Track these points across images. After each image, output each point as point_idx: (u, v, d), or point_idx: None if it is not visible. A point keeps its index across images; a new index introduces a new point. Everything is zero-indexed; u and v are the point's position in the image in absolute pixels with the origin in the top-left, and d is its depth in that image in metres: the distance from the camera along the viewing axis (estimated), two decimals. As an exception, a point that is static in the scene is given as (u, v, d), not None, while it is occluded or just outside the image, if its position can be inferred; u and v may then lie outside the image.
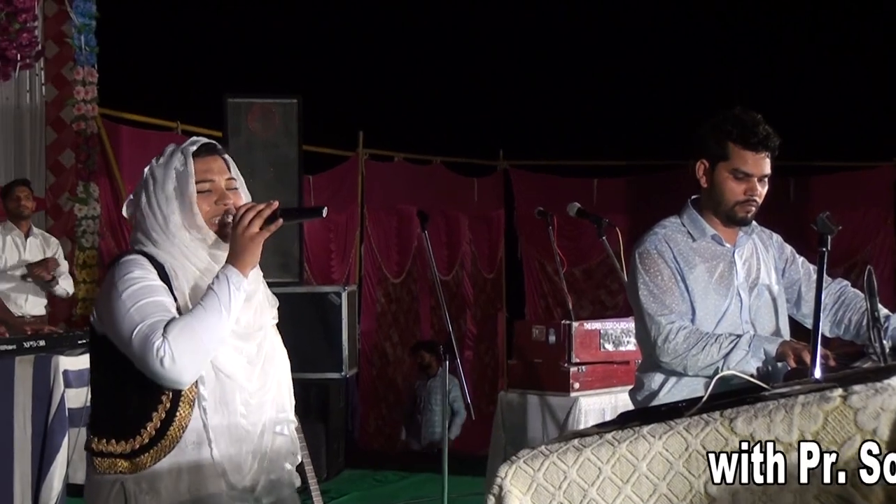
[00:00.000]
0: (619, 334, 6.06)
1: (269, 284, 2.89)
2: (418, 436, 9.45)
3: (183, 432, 2.58)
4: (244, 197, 2.73)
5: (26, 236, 7.04)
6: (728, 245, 3.68)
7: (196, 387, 2.57)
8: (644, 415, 2.27)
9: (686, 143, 3.74)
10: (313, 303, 7.02)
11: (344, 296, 7.19)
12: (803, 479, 1.95)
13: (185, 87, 8.76)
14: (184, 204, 2.63)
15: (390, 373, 10.82)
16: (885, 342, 3.41)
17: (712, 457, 1.99)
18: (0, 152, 7.87)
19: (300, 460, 2.81)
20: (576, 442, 2.07)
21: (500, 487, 2.08)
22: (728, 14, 10.51)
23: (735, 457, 1.98)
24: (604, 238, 5.53)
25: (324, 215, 2.70)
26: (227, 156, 2.74)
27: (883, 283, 10.17)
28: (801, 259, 3.85)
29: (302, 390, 7.14)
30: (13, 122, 7.91)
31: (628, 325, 5.98)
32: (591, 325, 6.03)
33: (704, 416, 2.03)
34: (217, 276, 2.58)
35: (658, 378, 3.67)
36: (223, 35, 9.60)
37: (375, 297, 10.73)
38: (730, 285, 3.64)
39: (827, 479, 1.94)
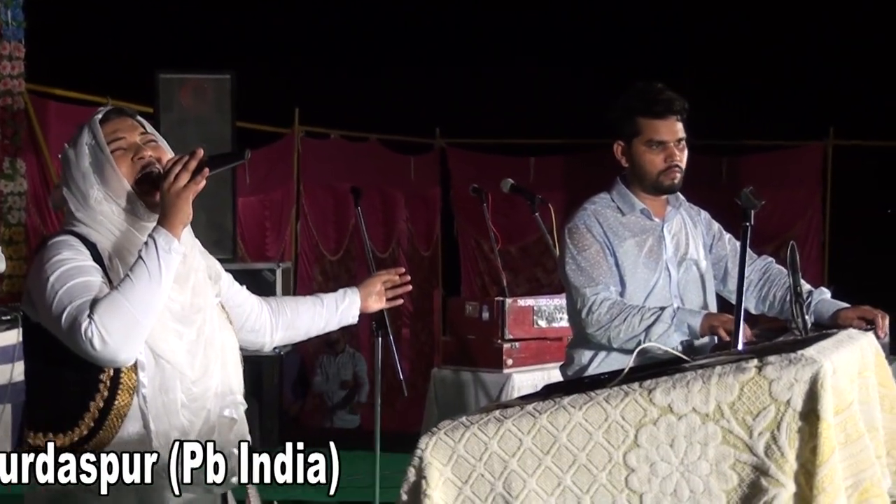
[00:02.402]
0: (552, 311, 6.10)
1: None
2: (331, 414, 9.65)
3: (122, 421, 2.48)
4: (167, 152, 2.62)
5: None
6: (657, 219, 3.72)
7: (135, 373, 2.47)
8: (567, 387, 2.29)
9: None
10: (247, 280, 6.92)
11: (278, 273, 7.15)
12: (720, 449, 1.97)
13: (116, 63, 8.62)
14: (103, 174, 2.53)
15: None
16: (807, 317, 3.46)
17: (632, 429, 2.01)
18: (-76, 127, 7.70)
19: (249, 442, 2.66)
20: (497, 413, 2.09)
21: (421, 459, 2.09)
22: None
23: (653, 428, 2.01)
24: (537, 214, 5.55)
25: (247, 157, 2.64)
26: (139, 117, 2.65)
27: (811, 261, 10.37)
28: (728, 236, 3.89)
29: (235, 368, 7.16)
30: (-62, 97, 7.74)
31: (561, 301, 5.99)
32: (524, 302, 6.05)
33: (624, 387, 2.05)
34: (146, 242, 2.45)
35: (587, 353, 3.70)
36: (155, 9, 9.46)
37: (312, 274, 10.69)
38: (659, 259, 3.68)
39: (743, 450, 1.96)
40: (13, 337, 5.09)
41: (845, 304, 3.61)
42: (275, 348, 7.43)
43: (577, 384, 2.29)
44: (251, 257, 9.44)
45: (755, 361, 1.98)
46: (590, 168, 10.09)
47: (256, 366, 7.23)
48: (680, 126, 3.64)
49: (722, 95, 10.05)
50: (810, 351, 1.98)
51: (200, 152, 2.51)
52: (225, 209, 7.37)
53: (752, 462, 1.95)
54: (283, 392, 8.55)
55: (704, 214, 3.90)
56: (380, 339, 5.41)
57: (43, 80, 8.07)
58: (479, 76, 10.92)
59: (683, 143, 3.66)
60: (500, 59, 10.98)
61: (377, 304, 3.10)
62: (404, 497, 2.12)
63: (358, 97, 10.56)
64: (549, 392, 2.26)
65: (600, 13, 10.68)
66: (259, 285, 7.08)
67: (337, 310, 3.04)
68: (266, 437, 7.39)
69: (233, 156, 2.74)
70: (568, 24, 10.73)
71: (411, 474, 2.11)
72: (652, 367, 2.27)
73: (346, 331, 9.79)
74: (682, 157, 3.66)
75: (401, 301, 3.18)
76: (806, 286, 3.64)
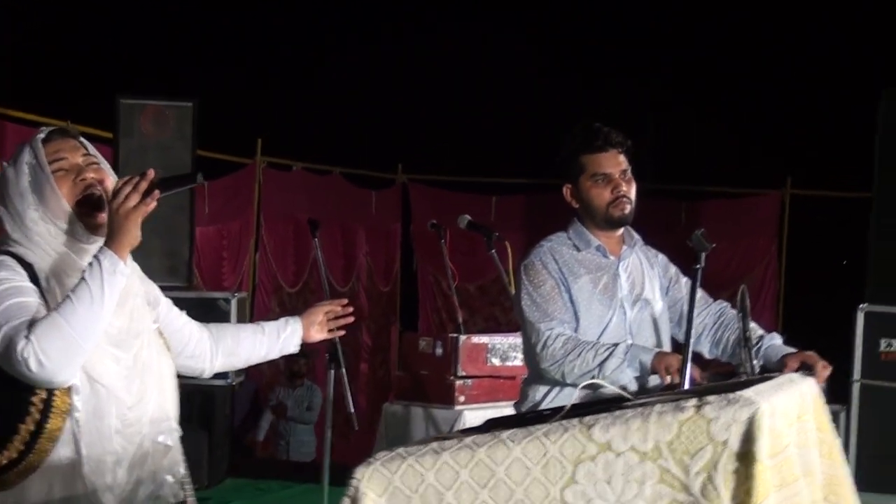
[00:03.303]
0: (506, 349, 6.11)
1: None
2: (287, 447, 9.58)
3: (53, 445, 2.43)
4: (110, 175, 2.60)
5: None
6: (612, 257, 3.75)
7: (69, 397, 2.43)
8: (509, 421, 2.28)
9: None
10: (201, 308, 6.86)
11: (233, 302, 7.10)
12: (657, 488, 1.97)
13: (77, 86, 8.58)
14: (42, 194, 2.50)
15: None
16: (755, 362, 3.49)
17: (570, 465, 2.01)
18: None
19: (183, 472, 2.67)
20: (435, 445, 2.07)
21: (356, 489, 2.07)
22: (625, 38, 10.68)
23: (591, 465, 2.00)
24: (493, 252, 5.57)
25: (199, 181, 2.62)
26: (83, 139, 2.63)
27: (766, 308, 10.45)
28: (685, 279, 3.92)
29: (185, 396, 7.06)
30: None
31: (516, 340, 6.01)
32: (478, 339, 6.06)
33: (564, 422, 2.05)
34: (90, 263, 2.42)
35: (541, 389, 3.71)
36: (119, 33, 9.44)
37: (270, 306, 10.64)
38: (613, 297, 3.70)
39: (680, 490, 1.96)
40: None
41: (793, 350, 3.64)
42: (224, 377, 7.35)
43: (518, 419, 2.29)
44: (207, 287, 9.38)
45: (694, 401, 1.98)
46: (551, 208, 10.12)
47: (208, 396, 7.16)
48: (623, 158, 3.70)
49: (682, 142, 10.16)
50: (749, 392, 1.98)
51: (151, 173, 2.48)
52: (182, 237, 7.33)
53: (688, 502, 1.95)
54: (233, 423, 8.47)
55: (662, 257, 3.94)
56: (332, 371, 5.40)
57: (0, 101, 8.00)
58: (442, 113, 10.97)
59: (629, 174, 3.71)
60: (464, 97, 11.04)
61: (319, 334, 3.09)
62: (339, 527, 2.10)
63: (321, 130, 10.56)
64: (490, 426, 2.25)
65: (563, 56, 10.77)
66: (213, 314, 7.04)
67: (279, 338, 3.02)
68: (215, 468, 7.32)
69: (186, 178, 2.71)
70: (532, 65, 10.81)
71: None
72: (595, 404, 2.28)
73: (307, 364, 9.78)
74: (630, 189, 3.70)
75: (342, 332, 3.17)
76: (758, 331, 3.68)
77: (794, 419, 2.12)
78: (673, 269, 3.93)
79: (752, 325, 3.56)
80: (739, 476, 1.91)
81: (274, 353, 3.05)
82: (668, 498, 1.96)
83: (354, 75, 10.88)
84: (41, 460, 2.43)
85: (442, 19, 10.82)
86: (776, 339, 3.71)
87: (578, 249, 3.73)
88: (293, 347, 3.06)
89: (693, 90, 10.58)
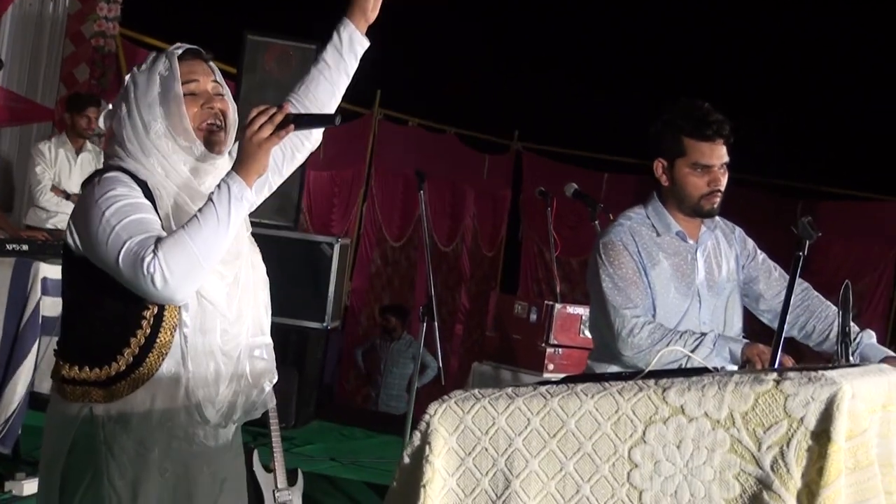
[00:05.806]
0: (600, 323, 6.06)
1: (264, 226, 2.78)
2: (376, 398, 9.69)
3: (162, 360, 2.48)
4: (231, 106, 2.61)
5: (78, 152, 7.27)
6: (691, 242, 3.66)
7: (178, 312, 2.47)
8: (587, 380, 2.27)
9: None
10: (305, 250, 7.00)
11: (336, 247, 7.16)
12: (726, 457, 1.95)
13: (207, 19, 8.72)
14: (168, 109, 2.51)
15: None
16: (851, 358, 3.40)
17: (640, 425, 2.00)
18: (17, 57, 7.85)
19: (276, 379, 2.69)
20: (510, 390, 2.08)
21: (428, 424, 2.09)
22: (773, 21, 10.45)
23: (662, 427, 1.99)
24: (596, 223, 5.51)
25: (336, 124, 2.57)
26: (212, 63, 2.62)
27: (877, 316, 10.20)
28: (762, 255, 3.81)
29: (281, 336, 7.16)
30: (34, 30, 7.89)
31: (612, 315, 5.97)
32: (573, 310, 6.01)
33: (639, 382, 2.03)
34: (218, 185, 2.44)
35: (613, 369, 3.64)
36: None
37: (371, 256, 10.74)
38: (691, 283, 3.62)
39: (749, 461, 1.94)
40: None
41: (892, 353, 3.54)
42: (320, 320, 7.38)
43: (597, 378, 2.27)
44: (316, 230, 9.50)
45: (774, 375, 1.95)
46: (662, 191, 10.01)
47: (303, 336, 7.27)
48: (725, 150, 3.55)
49: (806, 139, 9.93)
50: (832, 373, 1.95)
51: (287, 107, 2.50)
52: (293, 178, 7.32)
53: (756, 474, 1.93)
54: (324, 367, 8.58)
55: (739, 231, 3.82)
56: (424, 324, 5.43)
57: (136, 27, 8.19)
58: (563, 86, 10.91)
59: (726, 167, 3.59)
60: (587, 73, 10.95)
61: (373, 13, 2.84)
62: (406, 460, 2.12)
63: (441, 89, 10.58)
64: (567, 381, 2.25)
65: (689, 44, 10.59)
66: (316, 257, 7.13)
67: (342, 57, 2.80)
68: (303, 409, 7.43)
69: (323, 118, 2.66)
70: (658, 52, 10.68)
71: (416, 438, 2.11)
72: (675, 372, 2.26)
73: (399, 321, 9.86)
74: (724, 182, 3.59)
75: None
76: (855, 327, 3.57)
77: (879, 407, 2.07)
78: (751, 243, 3.81)
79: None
80: (812, 455, 1.88)
81: (352, 68, 2.81)
82: (736, 468, 1.94)
83: (479, 39, 10.86)
84: (150, 373, 2.48)
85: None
86: (872, 338, 3.61)
87: (658, 233, 3.64)
88: (361, 49, 2.82)
89: (825, 86, 10.32)
